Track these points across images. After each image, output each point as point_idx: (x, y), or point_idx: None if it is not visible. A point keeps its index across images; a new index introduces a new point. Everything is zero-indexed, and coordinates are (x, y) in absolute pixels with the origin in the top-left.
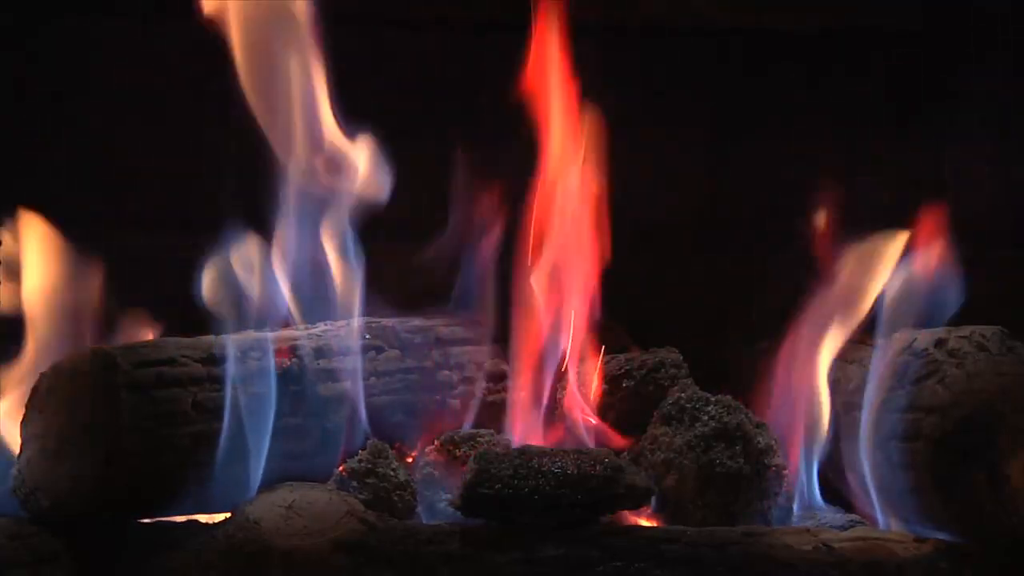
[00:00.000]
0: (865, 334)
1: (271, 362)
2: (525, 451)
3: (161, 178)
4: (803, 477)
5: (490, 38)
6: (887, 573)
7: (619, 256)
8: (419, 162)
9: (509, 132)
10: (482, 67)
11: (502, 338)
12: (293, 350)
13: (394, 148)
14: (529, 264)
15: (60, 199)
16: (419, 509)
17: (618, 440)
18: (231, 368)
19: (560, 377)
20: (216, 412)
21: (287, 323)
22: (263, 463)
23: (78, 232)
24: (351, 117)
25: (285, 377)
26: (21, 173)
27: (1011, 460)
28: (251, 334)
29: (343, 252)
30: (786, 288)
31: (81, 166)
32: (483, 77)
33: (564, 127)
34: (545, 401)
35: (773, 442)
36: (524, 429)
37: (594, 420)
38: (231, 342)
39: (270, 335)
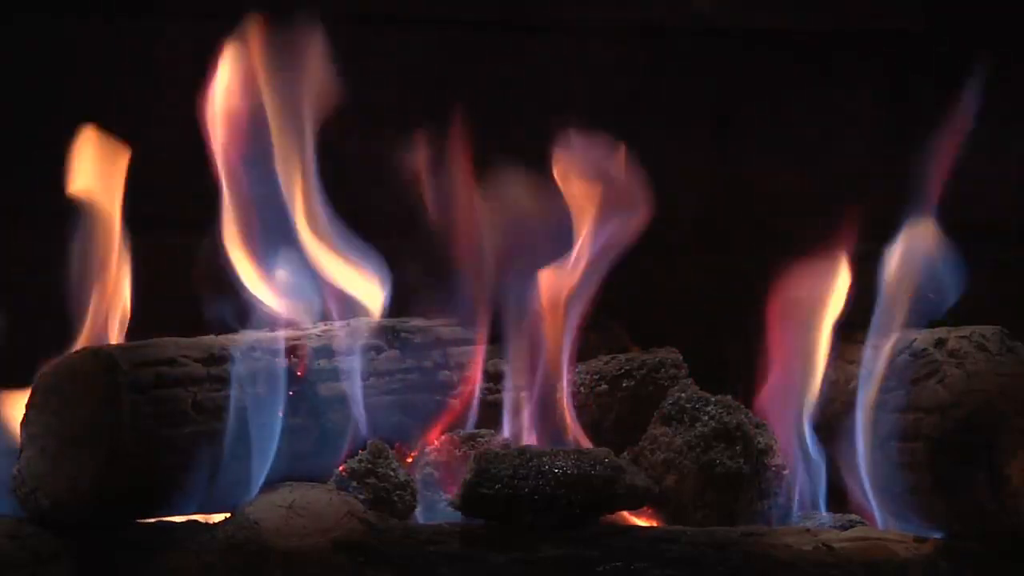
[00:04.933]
0: (865, 334)
1: (274, 362)
2: (525, 451)
3: (160, 177)
4: (802, 477)
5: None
6: (888, 573)
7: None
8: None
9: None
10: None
11: (502, 338)
12: (293, 350)
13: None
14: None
15: (58, 198)
16: (419, 509)
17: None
18: (234, 368)
19: (557, 378)
20: (216, 412)
21: (287, 323)
22: (269, 464)
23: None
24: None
25: (286, 377)
26: (17, 170)
27: (1011, 460)
28: (252, 334)
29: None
30: (784, 288)
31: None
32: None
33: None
34: (543, 402)
35: (773, 442)
36: (523, 429)
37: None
38: (233, 342)
39: (271, 335)
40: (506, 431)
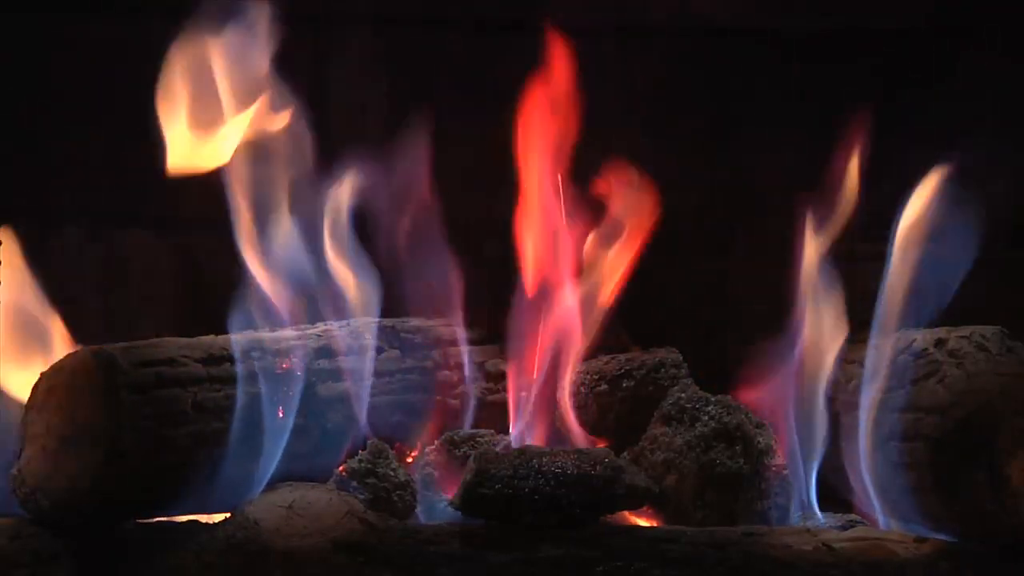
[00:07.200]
0: (865, 333)
1: (274, 362)
2: (525, 451)
3: (159, 177)
4: (801, 477)
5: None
6: (887, 573)
7: None
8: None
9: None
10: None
11: (502, 338)
12: (294, 350)
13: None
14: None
15: (57, 198)
16: (419, 509)
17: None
18: (235, 368)
19: (559, 378)
20: (216, 412)
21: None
22: (274, 464)
23: (76, 231)
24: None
25: (286, 377)
26: (16, 171)
27: (1011, 460)
28: (252, 334)
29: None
30: (784, 288)
31: (77, 165)
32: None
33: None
34: (544, 402)
35: (773, 442)
36: (524, 429)
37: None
38: (236, 342)
39: (271, 335)
40: (513, 433)
